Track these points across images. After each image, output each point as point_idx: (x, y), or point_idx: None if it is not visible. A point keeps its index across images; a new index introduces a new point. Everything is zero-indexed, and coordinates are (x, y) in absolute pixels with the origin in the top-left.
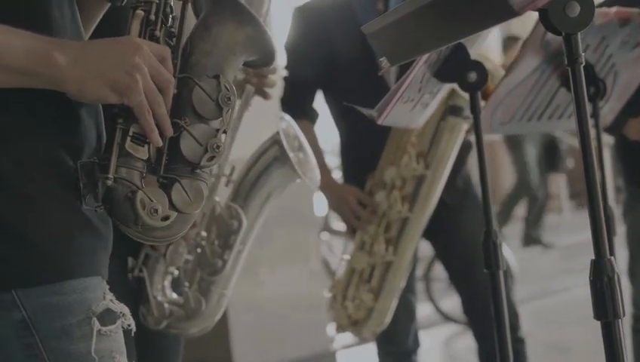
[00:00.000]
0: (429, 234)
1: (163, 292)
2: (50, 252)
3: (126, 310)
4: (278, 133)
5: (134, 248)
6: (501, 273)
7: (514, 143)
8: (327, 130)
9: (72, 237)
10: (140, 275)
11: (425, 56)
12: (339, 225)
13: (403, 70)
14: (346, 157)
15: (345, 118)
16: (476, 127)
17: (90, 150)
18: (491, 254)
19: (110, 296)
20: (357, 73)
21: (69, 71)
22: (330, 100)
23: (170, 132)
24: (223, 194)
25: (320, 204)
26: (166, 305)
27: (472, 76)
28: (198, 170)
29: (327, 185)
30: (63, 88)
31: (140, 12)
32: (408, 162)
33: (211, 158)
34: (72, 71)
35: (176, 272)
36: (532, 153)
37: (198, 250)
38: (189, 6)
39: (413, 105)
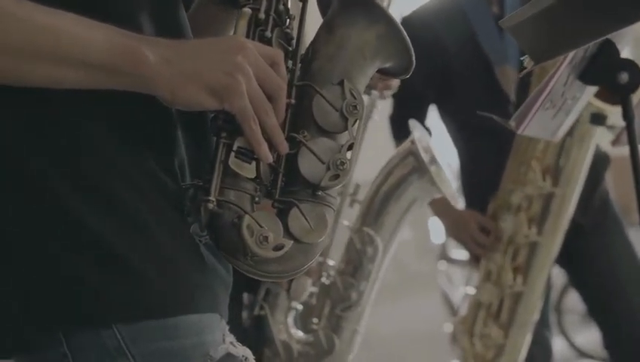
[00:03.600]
0: (561, 259)
1: (287, 330)
2: (159, 281)
3: (249, 353)
4: (412, 142)
5: (250, 283)
6: None
7: None
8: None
9: (187, 268)
10: (260, 313)
11: (570, 55)
12: (458, 253)
13: (524, 76)
14: (466, 178)
15: (463, 134)
16: (630, 137)
17: (193, 170)
18: None
19: (231, 337)
20: (473, 82)
21: (159, 70)
22: (446, 115)
23: (284, 147)
24: (348, 216)
25: (436, 230)
26: (294, 345)
27: (624, 77)
28: (319, 192)
29: (444, 210)
30: (153, 90)
31: (247, 10)
32: (534, 180)
33: (335, 178)
34: (162, 70)
35: (299, 307)
36: None
37: (324, 281)
38: (310, 5)
39: (555, 113)
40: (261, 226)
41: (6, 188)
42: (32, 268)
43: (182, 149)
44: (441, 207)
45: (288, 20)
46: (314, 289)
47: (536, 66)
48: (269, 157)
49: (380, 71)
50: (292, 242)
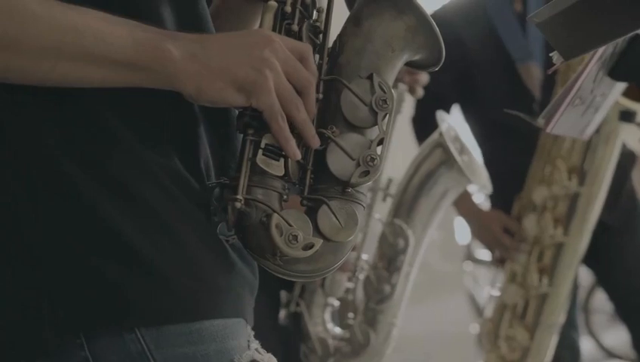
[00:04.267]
0: (588, 259)
1: (324, 326)
2: (184, 284)
3: (274, 361)
4: (441, 134)
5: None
6: None
7: None
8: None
9: (213, 271)
10: (296, 310)
11: (599, 51)
12: (483, 253)
13: (549, 77)
14: (490, 178)
15: (487, 133)
16: None
17: (218, 168)
18: None
19: (255, 344)
20: (496, 81)
21: (184, 65)
22: (469, 114)
23: (315, 141)
24: (381, 210)
25: (462, 230)
26: (330, 341)
27: None
28: (349, 190)
29: (469, 210)
30: (178, 87)
31: (272, 3)
32: (559, 179)
33: (365, 174)
34: (188, 66)
35: (336, 303)
36: None
37: (360, 277)
38: None
39: (584, 110)
40: (290, 225)
41: (31, 188)
42: (54, 270)
43: (206, 147)
44: (466, 208)
45: (316, 13)
46: (350, 285)
47: (564, 63)
48: (297, 154)
49: (408, 64)
50: (322, 241)
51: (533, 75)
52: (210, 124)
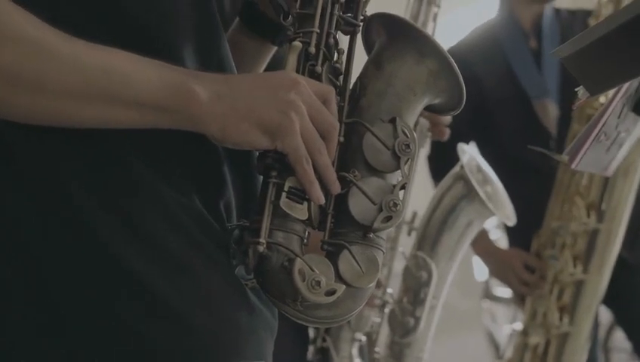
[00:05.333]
0: (607, 298)
1: (351, 361)
2: (206, 327)
3: None
4: (462, 167)
5: None
6: None
7: None
8: None
9: (234, 313)
10: (323, 346)
11: (625, 86)
12: (502, 290)
13: (565, 110)
14: None
15: (503, 170)
16: None
17: (237, 210)
18: None
19: None
20: (512, 118)
21: (210, 107)
22: (486, 151)
23: (336, 187)
24: (406, 244)
25: (480, 267)
26: None
27: None
28: (371, 235)
29: (486, 250)
30: (203, 128)
31: (297, 44)
32: (578, 216)
33: (387, 219)
34: (214, 107)
35: (363, 338)
36: None
37: (386, 311)
38: (359, 38)
39: (608, 145)
40: (313, 270)
41: (47, 227)
42: (72, 314)
43: (229, 188)
44: (483, 247)
45: (337, 54)
46: (376, 319)
47: (590, 98)
48: (321, 198)
49: (428, 108)
50: (344, 287)
51: (549, 112)
52: (232, 164)
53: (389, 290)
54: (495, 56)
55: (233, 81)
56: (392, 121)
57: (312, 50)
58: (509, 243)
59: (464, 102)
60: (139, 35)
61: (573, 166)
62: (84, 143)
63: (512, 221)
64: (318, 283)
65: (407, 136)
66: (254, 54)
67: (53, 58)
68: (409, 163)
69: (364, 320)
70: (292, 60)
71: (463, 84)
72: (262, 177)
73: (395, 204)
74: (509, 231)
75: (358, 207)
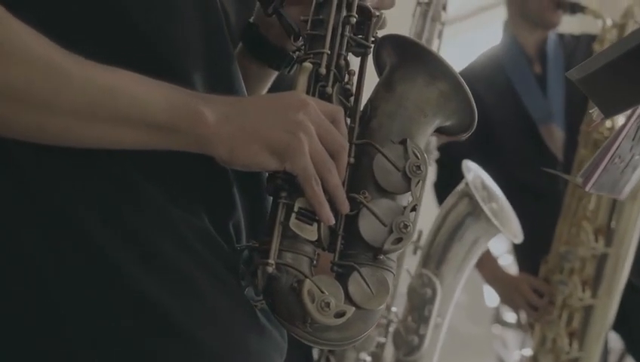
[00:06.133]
0: (617, 324)
1: None
2: (216, 349)
3: None
4: (466, 184)
5: None
6: None
7: None
8: None
9: (244, 334)
10: None
11: (639, 108)
12: (513, 316)
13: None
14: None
15: (509, 195)
16: None
17: (247, 231)
18: None
19: None
20: (518, 143)
21: (217, 129)
22: (492, 176)
23: (346, 207)
24: (410, 263)
25: (490, 293)
26: None
27: None
28: (381, 256)
29: (494, 276)
30: (211, 150)
31: (308, 65)
32: (586, 241)
33: (398, 241)
34: (221, 129)
35: (368, 359)
36: None
37: (390, 329)
38: (370, 59)
39: (623, 167)
40: (322, 292)
41: (55, 248)
42: (78, 333)
43: (238, 209)
44: (492, 274)
45: (347, 76)
46: (381, 339)
47: (604, 120)
48: (331, 219)
49: (438, 130)
50: (353, 309)
51: (555, 136)
52: (242, 185)
53: (394, 309)
54: (499, 80)
55: (241, 103)
56: (403, 142)
57: (323, 71)
58: (518, 268)
59: (475, 125)
60: (149, 59)
61: (587, 188)
62: (91, 162)
63: (518, 238)
64: (328, 304)
65: (417, 158)
66: (256, 78)
67: (61, 78)
68: (419, 184)
69: (369, 341)
70: (302, 81)
71: (475, 106)
72: (271, 198)
73: (406, 226)
74: (518, 256)
75: (369, 228)
